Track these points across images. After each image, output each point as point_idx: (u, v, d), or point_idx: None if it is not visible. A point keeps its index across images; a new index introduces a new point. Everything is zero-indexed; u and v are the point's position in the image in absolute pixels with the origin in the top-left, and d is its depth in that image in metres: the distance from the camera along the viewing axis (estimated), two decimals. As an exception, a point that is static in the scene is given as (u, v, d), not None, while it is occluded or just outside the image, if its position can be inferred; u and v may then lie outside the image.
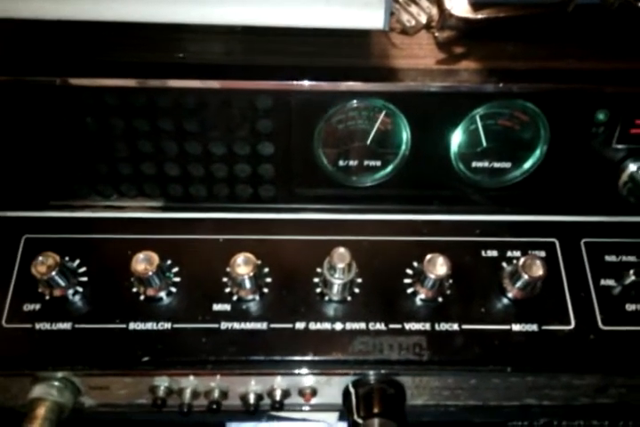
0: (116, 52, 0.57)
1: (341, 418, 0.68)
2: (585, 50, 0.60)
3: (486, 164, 0.62)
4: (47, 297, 0.57)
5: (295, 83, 0.55)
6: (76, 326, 0.57)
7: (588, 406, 0.67)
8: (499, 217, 0.65)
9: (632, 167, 0.63)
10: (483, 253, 0.62)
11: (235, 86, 0.55)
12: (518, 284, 0.59)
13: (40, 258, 0.56)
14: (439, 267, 0.57)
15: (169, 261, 0.60)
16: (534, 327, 0.59)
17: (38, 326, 0.57)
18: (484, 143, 0.61)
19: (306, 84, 0.56)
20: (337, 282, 0.57)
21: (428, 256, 0.57)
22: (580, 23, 0.61)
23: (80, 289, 0.58)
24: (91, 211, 0.64)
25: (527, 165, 0.62)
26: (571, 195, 0.65)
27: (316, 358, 0.57)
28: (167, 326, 0.57)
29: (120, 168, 0.61)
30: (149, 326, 0.57)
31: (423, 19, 0.64)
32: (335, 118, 0.58)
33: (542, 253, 0.62)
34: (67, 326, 0.57)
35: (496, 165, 0.62)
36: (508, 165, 0.62)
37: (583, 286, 0.61)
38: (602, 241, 0.64)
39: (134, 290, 0.58)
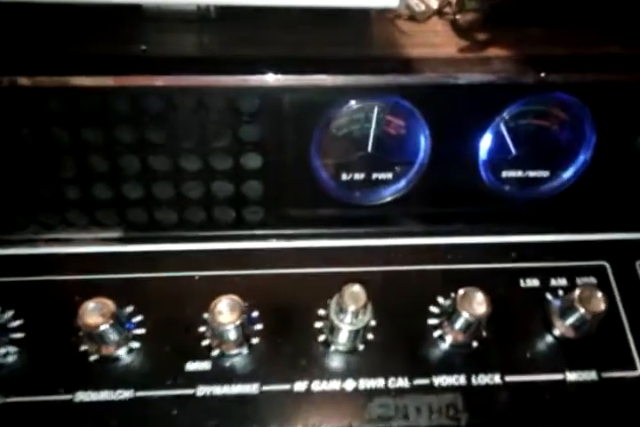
0: (58, 43, 0.51)
1: None
2: (629, 35, 0.57)
3: (519, 173, 0.57)
4: (-31, 361, 0.50)
5: (286, 77, 0.49)
6: (8, 399, 0.49)
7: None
8: (536, 237, 0.59)
9: (694, 175, 0.58)
10: (522, 283, 0.56)
11: (209, 84, 0.49)
12: (571, 321, 0.52)
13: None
14: (477, 305, 0.49)
15: (130, 308, 0.53)
16: (593, 375, 0.52)
17: (-43, 401, 0.49)
18: (517, 148, 0.55)
19: (300, 79, 0.50)
20: (347, 328, 0.50)
21: (462, 291, 0.50)
22: (616, 5, 0.58)
23: (13, 349, 0.51)
24: (30, 246, 0.57)
25: (568, 173, 0.57)
26: (622, 209, 0.60)
27: (324, 428, 0.50)
28: (126, 394, 0.49)
29: (66, 191, 0.55)
30: (103, 395, 0.49)
31: (434, 3, 0.59)
32: (337, 122, 0.53)
33: (592, 280, 0.57)
34: (-6, 400, 0.49)
35: (531, 174, 0.57)
36: (545, 173, 0.57)
37: (646, 320, 0.56)
38: (662, 263, 0.59)
39: (83, 348, 0.51)
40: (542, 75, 0.50)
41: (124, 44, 0.51)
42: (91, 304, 0.47)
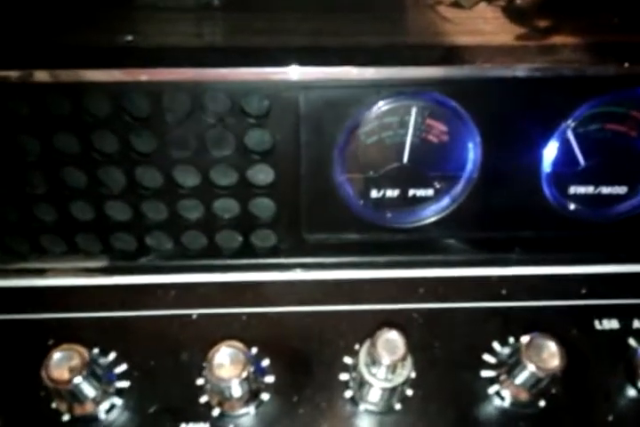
0: (32, 31, 0.47)
1: None
2: None
3: (590, 189, 0.53)
4: None
5: (303, 70, 0.44)
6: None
7: None
8: (612, 268, 0.54)
9: None
10: (597, 325, 0.51)
11: (207, 78, 0.44)
12: (667, 376, 0.45)
13: None
14: (548, 357, 0.42)
15: (112, 355, 0.48)
16: (698, 446, 0.45)
17: None
18: (588, 159, 0.50)
19: (320, 71, 0.44)
20: (380, 385, 0.43)
21: (527, 338, 0.43)
22: None
23: (-31, 406, 0.45)
24: (-6, 278, 0.51)
25: (651, 189, 0.52)
26: None
27: None
28: (106, 465, 0.42)
29: (39, 212, 0.51)
30: (77, 466, 0.42)
31: (482, -13, 0.54)
32: (365, 126, 0.48)
33: (685, 322, 0.51)
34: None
35: (604, 190, 0.53)
36: (621, 190, 0.53)
37: None
38: None
39: (54, 406, 0.45)
40: (626, 65, 0.43)
41: (107, 33, 0.46)
42: (57, 354, 0.40)
